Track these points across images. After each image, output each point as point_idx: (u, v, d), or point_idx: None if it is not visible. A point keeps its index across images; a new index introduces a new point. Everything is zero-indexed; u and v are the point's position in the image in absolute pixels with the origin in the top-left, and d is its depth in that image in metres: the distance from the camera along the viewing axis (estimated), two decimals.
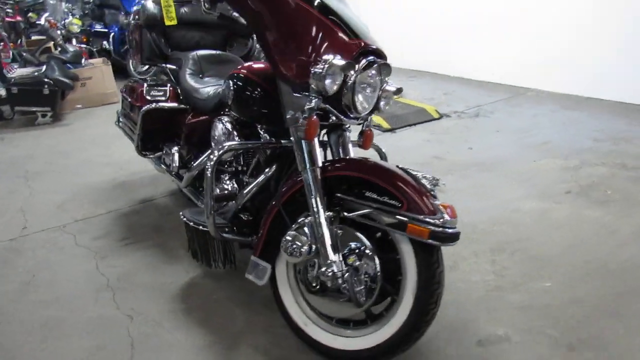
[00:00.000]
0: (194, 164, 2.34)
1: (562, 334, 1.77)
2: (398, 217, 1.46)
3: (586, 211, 2.66)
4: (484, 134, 4.09)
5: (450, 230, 1.42)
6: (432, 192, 1.51)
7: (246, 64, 1.93)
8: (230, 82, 1.88)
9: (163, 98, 2.54)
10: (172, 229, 2.71)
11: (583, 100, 4.80)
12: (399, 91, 1.71)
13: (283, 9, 1.54)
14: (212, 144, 2.09)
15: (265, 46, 1.59)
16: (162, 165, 2.67)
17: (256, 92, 1.83)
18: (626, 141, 3.67)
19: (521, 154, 3.56)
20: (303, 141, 1.60)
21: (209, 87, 2.38)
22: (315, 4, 1.56)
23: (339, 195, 1.59)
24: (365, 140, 1.86)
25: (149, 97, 2.53)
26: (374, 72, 1.59)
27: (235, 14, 2.21)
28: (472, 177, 3.22)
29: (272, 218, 1.73)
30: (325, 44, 1.54)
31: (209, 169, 1.77)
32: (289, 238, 1.60)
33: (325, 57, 1.50)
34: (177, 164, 2.47)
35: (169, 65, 2.62)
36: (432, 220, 1.42)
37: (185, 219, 2.04)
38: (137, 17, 2.75)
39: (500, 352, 1.71)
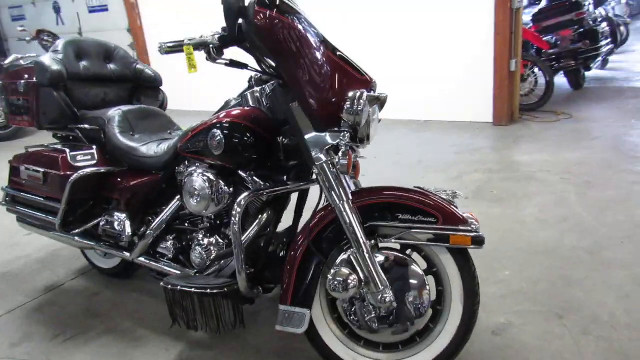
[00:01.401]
0: (151, 229, 2.10)
1: (546, 308, 2.08)
2: (439, 231, 1.58)
3: (490, 210, 3.14)
4: (366, 160, 4.45)
5: (481, 234, 1.60)
6: (454, 204, 1.67)
7: (229, 111, 1.84)
8: (219, 131, 1.78)
9: (92, 162, 2.22)
10: (113, 309, 2.34)
11: (423, 123, 5.61)
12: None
13: (311, 51, 1.56)
14: (192, 200, 1.90)
15: (297, 88, 1.57)
16: (88, 241, 2.30)
17: (251, 138, 1.77)
18: (478, 151, 4.42)
19: (408, 173, 4.00)
20: (335, 176, 1.62)
21: (150, 145, 2.18)
22: (327, 45, 1.62)
23: (372, 223, 1.64)
24: (356, 171, 1.94)
25: (75, 164, 2.19)
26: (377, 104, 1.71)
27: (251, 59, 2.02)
28: None
29: (300, 261, 1.68)
30: (346, 81, 1.61)
31: (236, 221, 1.64)
32: (334, 275, 1.59)
33: (351, 93, 1.57)
34: (130, 232, 2.16)
35: (86, 126, 2.30)
36: (468, 228, 1.57)
37: (180, 287, 1.81)
38: (26, 76, 2.37)
39: (514, 335, 1.92)
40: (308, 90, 1.55)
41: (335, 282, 1.58)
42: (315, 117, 1.59)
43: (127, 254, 2.18)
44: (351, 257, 1.61)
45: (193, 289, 1.78)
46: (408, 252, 1.69)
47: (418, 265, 1.65)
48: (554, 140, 4.48)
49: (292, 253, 1.70)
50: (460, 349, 1.65)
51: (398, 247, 1.69)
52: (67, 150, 2.21)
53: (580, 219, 2.88)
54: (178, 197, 2.09)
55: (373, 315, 1.64)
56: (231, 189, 1.87)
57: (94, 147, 2.25)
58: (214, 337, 2.07)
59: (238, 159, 1.80)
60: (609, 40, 6.87)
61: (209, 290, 1.76)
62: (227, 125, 1.79)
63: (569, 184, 3.41)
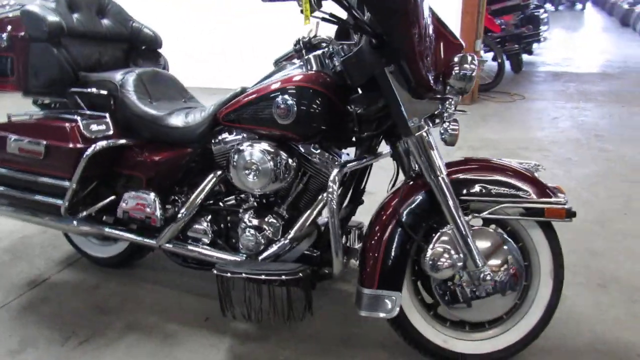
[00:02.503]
0: (183, 210, 1.84)
1: (586, 279, 2.13)
2: (533, 204, 1.53)
3: None
4: None
5: (572, 206, 1.57)
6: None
7: (292, 75, 1.64)
8: (289, 97, 1.58)
9: (108, 132, 1.89)
10: (125, 303, 2.04)
11: None
12: None
13: (422, 8, 1.40)
14: (248, 176, 1.67)
15: (407, 48, 1.40)
16: (99, 226, 1.97)
17: (324, 105, 1.59)
18: None
19: None
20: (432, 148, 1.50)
21: (177, 114, 1.90)
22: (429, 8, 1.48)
23: (464, 198, 1.55)
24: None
25: (89, 135, 1.84)
26: None
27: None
28: None
29: (387, 240, 1.55)
30: (445, 44, 1.49)
31: (333, 198, 1.46)
32: (432, 254, 1.49)
33: (456, 58, 1.45)
34: (162, 214, 1.87)
35: (92, 90, 1.94)
36: (561, 200, 1.54)
37: (246, 275, 1.59)
38: (9, 28, 1.95)
39: (569, 307, 1.94)
40: (419, 51, 1.39)
41: (434, 261, 1.48)
42: (420, 82, 1.44)
43: (153, 241, 1.90)
44: (448, 234, 1.51)
45: (263, 276, 1.58)
46: (492, 227, 1.63)
47: (511, 241, 1.59)
48: (519, 119, 4.67)
49: (377, 231, 1.56)
50: (546, 326, 1.63)
51: (480, 222, 1.62)
52: (79, 119, 1.85)
53: (577, 193, 3.00)
54: (215, 173, 1.85)
55: (468, 294, 1.55)
56: (295, 163, 1.67)
57: (107, 114, 1.91)
58: (261, 328, 1.87)
59: (308, 129, 1.61)
60: (547, 26, 7.32)
61: (283, 277, 1.56)
62: (297, 90, 1.59)
63: (552, 161, 3.57)
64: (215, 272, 1.66)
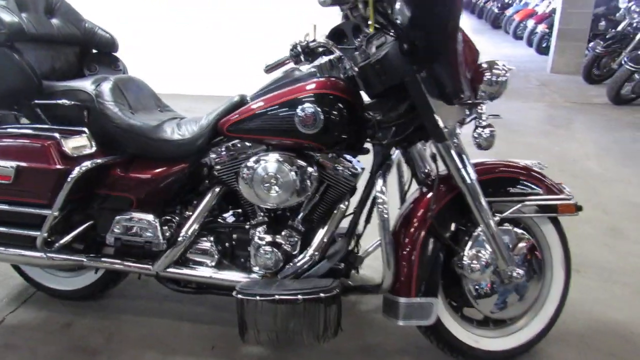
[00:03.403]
0: (184, 231, 1.67)
1: None
2: (548, 202, 1.63)
3: None
4: None
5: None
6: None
7: (315, 81, 1.55)
8: (314, 106, 1.50)
9: (90, 150, 1.64)
10: (112, 339, 1.81)
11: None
12: None
13: (459, 12, 1.40)
14: (265, 191, 1.56)
15: (445, 52, 1.38)
16: (81, 257, 1.72)
17: (348, 112, 1.54)
18: None
19: None
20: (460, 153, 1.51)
21: (166, 125, 1.72)
22: None
23: (488, 199, 1.59)
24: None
25: (70, 153, 1.59)
26: None
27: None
28: None
29: (421, 247, 1.55)
30: (470, 51, 1.51)
31: (384, 209, 1.41)
32: (470, 257, 1.52)
33: (485, 64, 1.48)
34: (162, 237, 1.67)
35: (64, 102, 1.67)
36: (569, 196, 1.66)
37: (278, 296, 1.48)
38: None
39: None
40: (458, 57, 1.40)
41: (472, 264, 1.51)
42: (456, 87, 1.45)
43: (149, 267, 1.70)
44: (480, 235, 1.55)
45: (299, 296, 1.49)
46: (505, 225, 1.69)
47: (531, 238, 1.66)
48: None
49: (408, 239, 1.55)
50: (560, 313, 1.73)
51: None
52: (57, 135, 1.59)
53: None
54: (214, 188, 1.71)
55: (499, 293, 1.60)
56: (316, 173, 1.60)
57: (86, 129, 1.66)
58: (276, 349, 1.77)
59: (333, 138, 1.55)
60: None
61: (321, 295, 1.49)
62: (321, 98, 1.52)
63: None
64: (238, 295, 1.53)
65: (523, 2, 12.14)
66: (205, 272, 1.70)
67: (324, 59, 1.61)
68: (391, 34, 1.46)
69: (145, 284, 2.12)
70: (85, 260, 1.73)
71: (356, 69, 1.56)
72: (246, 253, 1.72)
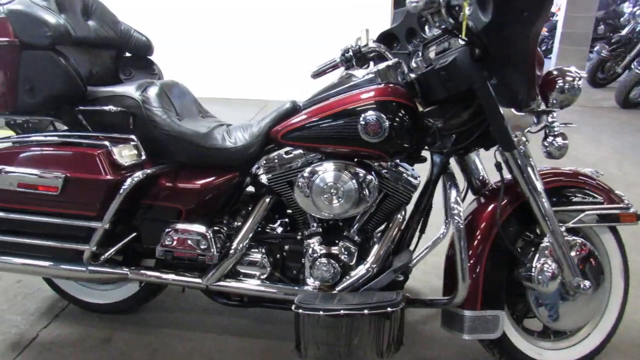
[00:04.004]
0: (236, 243, 1.61)
1: None
2: (610, 211, 1.59)
3: None
4: None
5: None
6: None
7: (378, 88, 1.50)
8: (379, 112, 1.45)
9: (140, 159, 1.57)
10: (157, 355, 1.74)
11: None
12: None
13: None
14: (327, 201, 1.51)
15: (522, 58, 1.34)
16: (127, 271, 1.65)
17: (413, 119, 1.49)
18: None
19: None
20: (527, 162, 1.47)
21: (216, 132, 1.66)
22: None
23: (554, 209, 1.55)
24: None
25: (122, 162, 1.52)
26: None
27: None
28: None
29: (487, 259, 1.50)
30: (539, 59, 1.47)
31: (461, 220, 1.36)
32: (538, 268, 1.48)
33: (555, 71, 1.45)
34: (218, 248, 1.60)
35: (110, 108, 1.60)
36: (629, 205, 1.62)
37: (344, 311, 1.42)
38: None
39: None
40: (533, 63, 1.35)
41: (541, 275, 1.47)
42: (530, 95, 1.40)
43: (199, 280, 1.64)
44: (547, 246, 1.50)
45: (366, 311, 1.43)
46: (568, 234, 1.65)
47: (593, 247, 1.62)
48: None
49: (475, 250, 1.50)
50: (619, 324, 1.70)
51: None
52: (108, 144, 1.52)
53: None
54: (265, 198, 1.66)
55: (564, 303, 1.56)
56: (378, 182, 1.54)
57: (133, 137, 1.59)
58: None
59: (398, 146, 1.50)
60: None
61: (389, 309, 1.43)
62: (386, 105, 1.47)
63: None
64: (299, 310, 1.47)
65: None
66: (257, 285, 1.64)
67: (382, 65, 1.56)
68: (460, 39, 1.42)
69: (182, 295, 2.05)
70: (129, 273, 1.66)
71: (415, 75, 1.52)
72: (298, 265, 1.67)
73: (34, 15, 1.51)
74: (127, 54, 2.01)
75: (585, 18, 6.86)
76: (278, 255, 1.69)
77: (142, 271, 1.67)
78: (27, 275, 2.16)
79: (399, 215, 1.60)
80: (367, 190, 1.51)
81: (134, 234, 1.69)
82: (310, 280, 1.62)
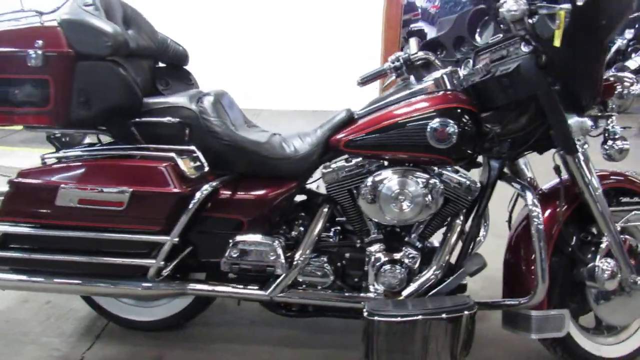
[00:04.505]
0: (300, 253, 1.60)
1: None
2: None
3: None
4: None
5: None
6: None
7: (440, 95, 1.53)
8: (447, 119, 1.48)
9: (205, 170, 1.54)
10: None
11: (311, 112, 5.54)
12: None
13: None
14: (397, 208, 1.52)
15: (590, 64, 1.39)
16: (188, 286, 1.62)
17: (477, 125, 1.53)
18: None
19: None
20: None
21: (276, 141, 1.65)
22: None
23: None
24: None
25: (189, 175, 1.48)
26: None
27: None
28: None
29: (551, 259, 1.55)
30: None
31: (540, 222, 1.41)
32: (600, 267, 1.54)
33: (611, 77, 1.51)
34: (286, 260, 1.58)
35: (167, 120, 1.56)
36: None
37: (422, 317, 1.43)
38: (40, 42, 1.47)
39: None
40: (601, 69, 1.41)
41: (603, 273, 1.53)
42: (593, 100, 1.46)
43: (262, 292, 1.62)
44: (606, 246, 1.57)
45: (444, 315, 1.45)
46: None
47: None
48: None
49: (536, 251, 1.54)
50: None
51: None
52: (174, 156, 1.48)
53: None
54: (323, 207, 1.65)
55: (618, 299, 1.63)
56: (442, 188, 1.57)
57: (194, 148, 1.56)
58: None
59: (463, 152, 1.54)
60: None
61: (465, 312, 1.45)
62: (453, 112, 1.50)
63: None
64: (374, 317, 1.47)
65: None
66: (322, 294, 1.64)
67: (439, 73, 1.60)
68: (522, 48, 1.47)
69: (224, 309, 2.02)
70: (188, 288, 1.62)
71: (471, 81, 1.56)
72: (360, 272, 1.67)
73: (91, 25, 1.46)
74: (161, 64, 1.98)
75: None
76: (338, 264, 1.69)
77: (201, 285, 1.64)
78: (56, 296, 2.08)
79: (458, 221, 1.63)
80: (434, 196, 1.53)
81: (190, 248, 1.65)
82: (373, 287, 1.63)
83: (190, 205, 1.48)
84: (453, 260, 1.63)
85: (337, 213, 1.72)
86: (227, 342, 1.84)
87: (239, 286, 1.63)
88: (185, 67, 2.01)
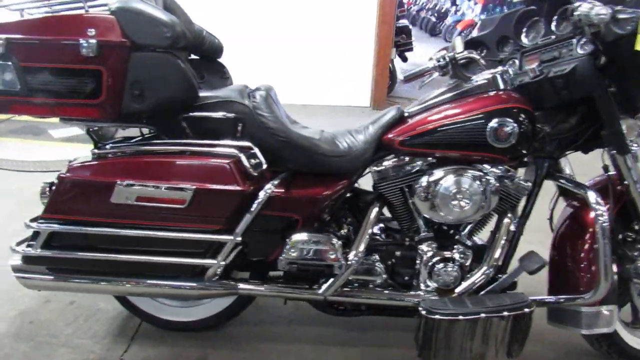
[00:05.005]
0: (355, 252, 1.59)
1: None
2: None
3: None
4: None
5: None
6: None
7: (502, 95, 1.54)
8: (507, 119, 1.50)
9: (264, 167, 1.49)
10: None
11: (301, 107, 5.50)
12: None
13: None
14: (455, 207, 1.53)
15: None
16: (260, 285, 1.60)
17: (533, 125, 1.56)
18: None
19: None
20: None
21: (328, 138, 1.63)
22: None
23: None
24: None
25: (252, 172, 1.44)
26: None
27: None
28: None
29: (603, 257, 1.59)
30: None
31: (605, 220, 1.44)
32: None
33: None
34: (344, 259, 1.56)
35: (219, 115, 1.51)
36: None
37: (485, 315, 1.45)
38: (93, 31, 1.39)
39: None
40: None
41: None
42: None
43: (317, 291, 1.60)
44: None
45: (505, 312, 1.47)
46: None
47: None
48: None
49: (589, 250, 1.59)
50: None
51: None
52: (237, 152, 1.43)
53: None
54: (374, 205, 1.65)
55: None
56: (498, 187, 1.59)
57: (251, 144, 1.51)
58: None
59: (520, 151, 1.56)
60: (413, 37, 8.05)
61: (526, 310, 1.48)
62: (512, 111, 1.53)
63: None
64: (435, 316, 1.47)
65: (461, 13, 12.82)
66: (374, 293, 1.63)
67: (487, 73, 1.62)
68: (578, 49, 1.50)
69: (259, 307, 1.98)
70: (241, 287, 1.58)
71: (521, 81, 1.58)
72: (410, 270, 1.68)
73: (149, 14, 1.39)
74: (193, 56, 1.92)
75: None
76: (389, 262, 1.69)
77: (254, 286, 1.60)
78: (80, 296, 2.00)
79: (506, 219, 1.65)
80: (490, 195, 1.55)
81: (240, 246, 1.61)
82: (425, 285, 1.64)
83: (255, 204, 1.45)
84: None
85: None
86: (270, 342, 1.82)
87: (292, 286, 1.61)
88: (218, 59, 1.96)
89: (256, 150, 1.50)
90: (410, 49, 7.37)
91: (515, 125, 1.50)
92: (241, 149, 1.48)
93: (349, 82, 5.39)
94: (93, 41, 1.37)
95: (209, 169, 1.42)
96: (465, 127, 1.53)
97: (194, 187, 1.40)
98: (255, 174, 1.45)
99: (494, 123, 1.50)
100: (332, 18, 5.15)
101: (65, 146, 3.62)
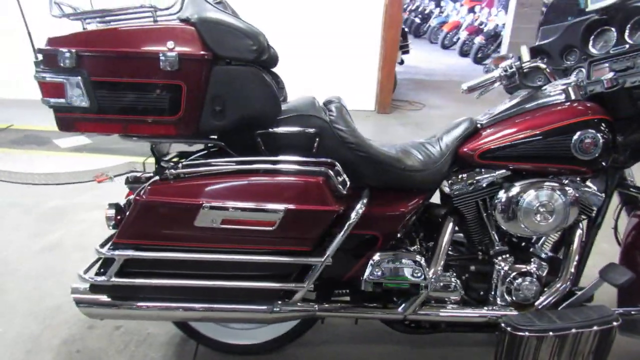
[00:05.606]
0: (433, 269, 1.55)
1: None
2: None
3: None
4: None
5: None
6: None
7: (583, 106, 1.51)
8: (591, 131, 1.48)
9: (348, 185, 1.43)
10: None
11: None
12: None
13: None
14: (540, 220, 1.50)
15: None
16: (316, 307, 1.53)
17: (614, 133, 1.54)
18: (402, 137, 4.64)
19: None
20: None
21: (403, 152, 1.58)
22: None
23: None
24: None
25: (344, 190, 1.38)
26: None
27: None
28: None
29: None
30: None
31: None
32: None
33: None
34: (429, 278, 1.51)
35: (297, 129, 1.44)
36: None
37: (576, 330, 1.42)
38: (171, 44, 1.30)
39: None
40: None
41: None
42: None
43: (398, 310, 1.55)
44: None
45: (595, 327, 1.44)
46: None
47: None
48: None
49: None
50: None
51: None
52: (326, 170, 1.36)
53: None
54: (449, 220, 1.61)
55: None
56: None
57: (334, 161, 1.44)
58: None
59: (602, 163, 1.53)
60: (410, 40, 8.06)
61: (614, 324, 1.46)
62: (591, 123, 1.50)
63: None
64: (524, 333, 1.44)
65: (445, 14, 12.92)
66: (453, 310, 1.59)
67: (561, 83, 1.60)
68: None
69: (319, 326, 1.90)
70: (320, 309, 1.52)
71: (593, 91, 1.57)
72: (486, 285, 1.64)
73: (233, 26, 1.31)
74: None
75: (529, 29, 7.46)
76: (463, 277, 1.65)
77: (331, 307, 1.54)
78: (125, 321, 1.89)
79: (579, 231, 1.64)
80: (572, 207, 1.52)
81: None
82: (502, 299, 1.60)
83: (347, 225, 1.38)
84: None
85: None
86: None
87: (372, 306, 1.56)
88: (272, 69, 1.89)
89: (338, 167, 1.44)
90: (407, 52, 7.39)
91: (599, 136, 1.48)
92: (327, 165, 1.42)
93: (354, 86, 5.35)
94: (173, 54, 1.27)
95: (300, 188, 1.35)
96: (548, 139, 1.50)
97: (284, 207, 1.33)
98: (344, 192, 1.39)
99: (578, 135, 1.48)
100: (338, 22, 5.10)
101: (74, 156, 3.47)
